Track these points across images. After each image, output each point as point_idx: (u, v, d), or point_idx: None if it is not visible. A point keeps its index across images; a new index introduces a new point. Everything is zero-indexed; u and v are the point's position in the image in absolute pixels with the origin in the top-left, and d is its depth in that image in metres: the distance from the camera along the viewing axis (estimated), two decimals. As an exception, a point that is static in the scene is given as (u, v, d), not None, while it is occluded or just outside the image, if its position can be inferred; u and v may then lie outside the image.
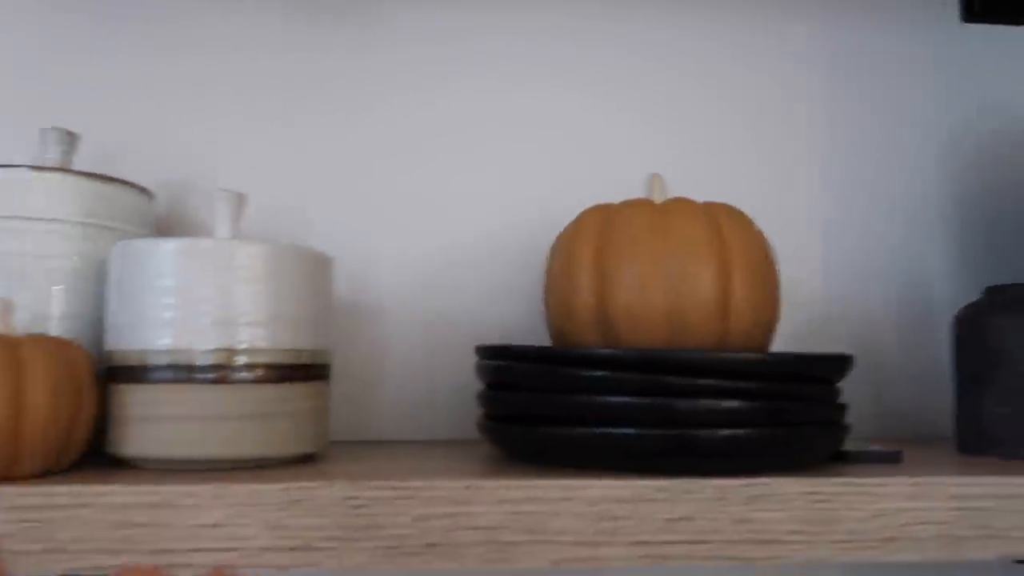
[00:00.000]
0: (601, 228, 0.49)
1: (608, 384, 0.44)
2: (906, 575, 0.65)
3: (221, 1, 0.64)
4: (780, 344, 0.66)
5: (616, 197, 0.66)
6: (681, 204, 0.49)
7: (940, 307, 0.68)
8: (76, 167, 0.62)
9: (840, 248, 0.68)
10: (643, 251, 0.47)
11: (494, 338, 0.64)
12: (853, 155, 0.69)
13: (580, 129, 0.67)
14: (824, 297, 0.67)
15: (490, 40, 0.66)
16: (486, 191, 0.65)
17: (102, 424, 0.46)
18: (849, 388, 0.66)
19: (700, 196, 0.67)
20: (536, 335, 0.64)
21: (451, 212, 0.65)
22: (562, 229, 0.61)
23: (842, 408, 0.48)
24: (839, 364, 0.47)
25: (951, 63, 0.70)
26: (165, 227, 0.62)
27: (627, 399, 0.43)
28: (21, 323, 0.47)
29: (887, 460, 0.48)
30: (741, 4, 0.69)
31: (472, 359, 0.63)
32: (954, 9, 0.71)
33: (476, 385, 0.63)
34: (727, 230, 0.48)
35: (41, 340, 0.42)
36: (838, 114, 0.69)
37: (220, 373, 0.44)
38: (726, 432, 0.43)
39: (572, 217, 0.65)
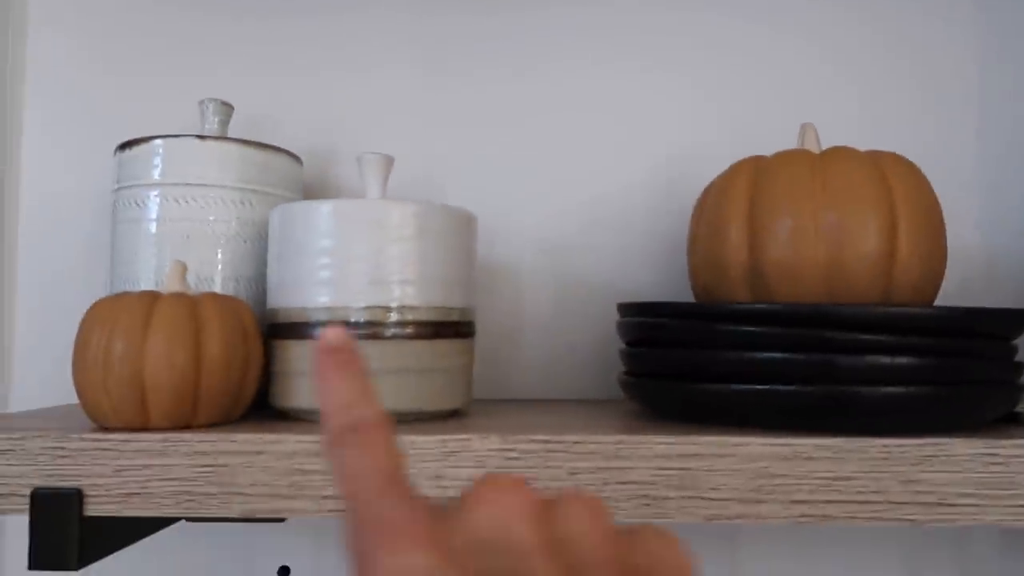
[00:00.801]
0: (754, 179, 0.48)
1: (762, 340, 0.43)
2: (1077, 547, 0.61)
3: (358, -32, 0.66)
4: (939, 301, 0.62)
5: (764, 151, 0.63)
6: (842, 153, 0.47)
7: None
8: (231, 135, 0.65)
9: (1001, 200, 0.63)
10: (800, 202, 0.45)
11: (627, 297, 0.63)
12: (1016, 101, 0.64)
13: (724, 80, 0.64)
14: (984, 252, 0.63)
15: (627, 4, 0.65)
16: (623, 150, 0.64)
17: (266, 378, 0.49)
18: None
19: (854, 143, 0.63)
20: (669, 294, 0.63)
21: (587, 172, 0.64)
22: (705, 185, 0.59)
23: (1018, 367, 0.45)
24: (1015, 319, 0.44)
25: None
26: (312, 192, 0.65)
27: (783, 355, 0.42)
28: (192, 284, 0.51)
29: (1067, 422, 0.45)
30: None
31: (609, 317, 0.63)
32: None
33: (613, 344, 0.63)
34: (893, 179, 0.45)
35: (216, 298, 0.44)
36: (1001, 57, 0.64)
37: (374, 329, 0.46)
38: (890, 389, 0.41)
39: (713, 175, 0.64)
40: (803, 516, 0.39)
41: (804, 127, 0.51)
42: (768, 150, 0.61)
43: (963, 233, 0.63)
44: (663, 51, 0.65)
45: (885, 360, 0.41)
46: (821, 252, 0.44)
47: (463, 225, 0.50)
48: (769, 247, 0.46)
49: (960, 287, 0.63)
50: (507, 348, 0.63)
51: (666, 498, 0.39)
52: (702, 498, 0.39)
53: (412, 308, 0.47)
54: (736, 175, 0.49)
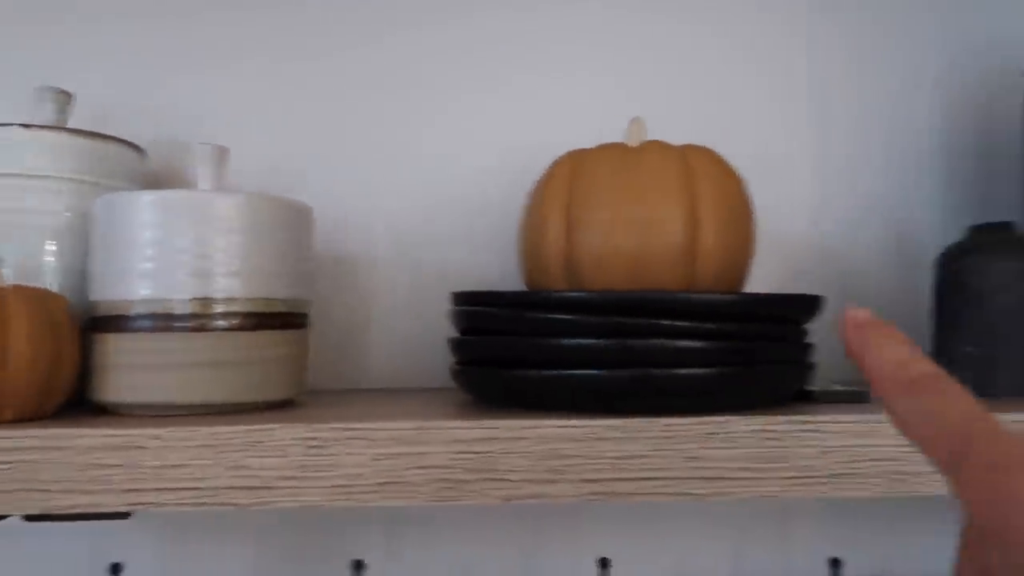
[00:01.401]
0: (572, 173, 0.50)
1: (571, 327, 0.45)
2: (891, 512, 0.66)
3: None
4: (767, 288, 0.65)
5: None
6: (652, 147, 0.49)
7: (931, 250, 0.66)
8: (72, 126, 0.64)
9: (830, 192, 0.67)
10: (610, 195, 0.47)
11: (477, 286, 0.65)
12: (843, 99, 0.67)
13: (565, 76, 0.66)
14: (814, 241, 0.66)
15: (474, -12, 0.66)
16: (471, 142, 0.66)
17: (87, 372, 0.48)
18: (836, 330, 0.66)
19: (687, 139, 0.66)
20: (517, 283, 0.65)
21: (440, 163, 0.65)
22: (539, 176, 0.61)
23: (808, 348, 0.48)
24: (805, 304, 0.47)
25: (944, 3, 0.68)
26: (158, 184, 0.64)
27: (589, 341, 0.44)
28: (16, 277, 0.50)
29: (854, 400, 0.48)
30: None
31: (461, 307, 0.65)
32: (959, -63, 0.68)
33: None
34: (700, 172, 0.48)
35: (23, 291, 0.44)
36: (829, 57, 0.67)
37: (197, 322, 0.46)
38: (690, 371, 0.43)
39: (558, 164, 0.65)
40: (593, 494, 0.41)
41: (633, 121, 0.53)
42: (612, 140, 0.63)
43: (797, 225, 0.66)
44: (517, 42, 0.66)
45: (685, 344, 0.44)
46: (629, 243, 0.46)
47: (294, 216, 0.50)
48: (583, 238, 0.48)
49: (795, 276, 0.66)
50: (357, 339, 0.64)
51: (464, 481, 0.41)
52: (499, 480, 0.41)
53: (237, 300, 0.47)
54: (557, 167, 0.50)
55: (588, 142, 0.64)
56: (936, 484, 0.41)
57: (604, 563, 0.59)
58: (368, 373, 0.64)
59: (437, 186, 0.65)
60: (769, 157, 0.66)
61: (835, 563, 0.60)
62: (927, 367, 0.24)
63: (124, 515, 0.56)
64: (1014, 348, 0.49)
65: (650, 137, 0.52)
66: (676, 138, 0.63)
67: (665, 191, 0.46)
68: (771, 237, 0.66)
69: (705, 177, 0.47)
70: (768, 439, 0.42)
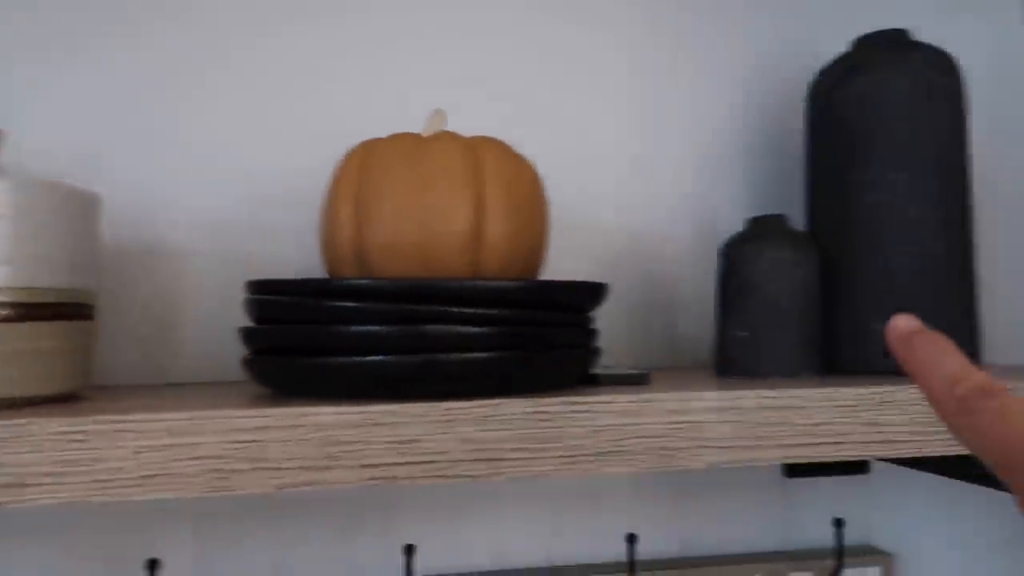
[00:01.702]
0: (362, 164, 0.50)
1: (358, 314, 0.45)
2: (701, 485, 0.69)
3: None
4: (577, 277, 0.68)
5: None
6: (443, 138, 0.50)
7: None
8: None
9: (642, 189, 0.70)
10: (397, 184, 0.48)
11: (288, 262, 0.64)
12: (656, 102, 0.70)
13: (376, 70, 0.66)
14: (625, 233, 0.69)
15: (287, -26, 0.65)
16: (296, 132, 0.65)
17: None
18: (644, 318, 0.69)
19: (507, 134, 0.67)
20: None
21: (260, 152, 0.64)
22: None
23: (592, 333, 0.50)
24: (588, 291, 0.49)
25: (748, 19, 0.72)
26: (-62, 168, 0.60)
27: (377, 328, 0.44)
28: None
29: (635, 382, 0.51)
30: (545, -59, 0.69)
31: (273, 299, 0.63)
32: (754, -51, 0.73)
33: (277, 324, 0.63)
34: (488, 163, 0.49)
35: None
36: (644, 64, 0.70)
37: (-43, 313, 0.44)
38: (468, 356, 0.44)
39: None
40: (372, 478, 0.41)
41: (435, 112, 0.54)
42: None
43: (610, 218, 0.69)
44: (341, 32, 0.66)
45: (470, 329, 0.45)
46: (415, 231, 0.47)
47: (72, 204, 0.48)
48: (372, 226, 0.48)
49: (606, 267, 0.69)
50: (168, 332, 0.62)
51: (237, 471, 0.40)
52: (273, 468, 0.41)
53: (2, 289, 0.45)
54: (349, 158, 0.50)
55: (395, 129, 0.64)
56: (701, 460, 0.44)
57: (409, 549, 0.59)
58: (176, 367, 0.62)
59: (243, 178, 0.64)
60: (586, 155, 0.69)
61: (631, 538, 0.62)
62: (976, 380, 0.23)
63: None
64: (779, 333, 0.53)
65: (469, 132, 0.53)
66: (495, 133, 0.65)
67: (451, 180, 0.47)
68: (585, 229, 0.68)
69: (493, 168, 0.48)
70: (541, 420, 0.43)
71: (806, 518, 0.71)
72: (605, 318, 0.69)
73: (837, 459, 0.46)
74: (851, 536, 0.72)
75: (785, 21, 0.73)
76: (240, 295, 0.64)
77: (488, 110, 0.67)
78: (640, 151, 0.70)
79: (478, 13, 0.68)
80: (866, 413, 0.47)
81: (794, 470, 0.71)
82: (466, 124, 0.67)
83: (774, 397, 0.46)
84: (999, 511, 0.74)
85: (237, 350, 0.63)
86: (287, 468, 0.41)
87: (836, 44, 0.73)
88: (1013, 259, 0.75)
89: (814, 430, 0.46)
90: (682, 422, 0.44)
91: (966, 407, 0.23)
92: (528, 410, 0.43)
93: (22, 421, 0.39)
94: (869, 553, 0.70)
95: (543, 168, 0.68)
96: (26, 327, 0.45)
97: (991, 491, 0.74)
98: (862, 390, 0.47)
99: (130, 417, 0.40)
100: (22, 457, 0.39)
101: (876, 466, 0.73)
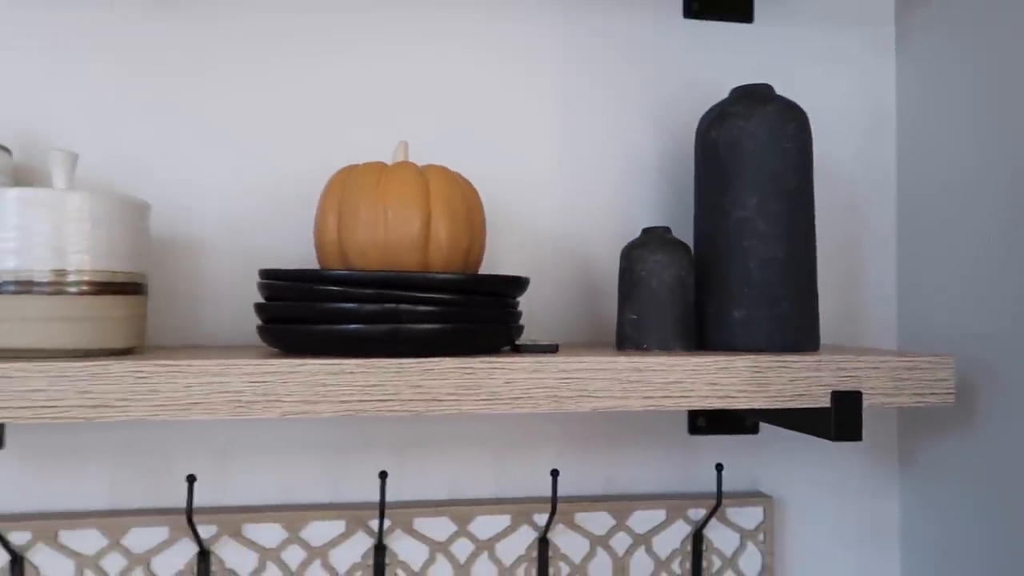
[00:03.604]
0: (343, 183, 0.67)
1: (341, 295, 0.62)
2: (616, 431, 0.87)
3: (67, -12, 0.79)
4: (513, 271, 0.85)
5: (383, 157, 0.83)
6: (401, 166, 0.67)
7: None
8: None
9: (572, 198, 0.87)
10: (368, 200, 0.65)
11: (291, 265, 0.81)
12: (585, 125, 0.87)
13: (359, 107, 0.83)
14: (560, 234, 0.86)
15: (290, 23, 0.82)
16: (283, 152, 0.82)
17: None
18: (570, 303, 0.86)
19: (462, 160, 0.84)
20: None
21: (266, 163, 0.81)
22: (336, 181, 0.78)
23: (514, 314, 0.67)
24: (511, 283, 0.66)
25: (667, 52, 0.89)
26: (23, 177, 0.77)
27: (354, 305, 0.62)
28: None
29: (546, 351, 0.68)
30: (495, 8, 0.86)
31: (279, 282, 0.81)
32: (676, 7, 0.89)
33: (282, 302, 0.81)
34: (433, 185, 0.66)
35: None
36: (574, 92, 0.87)
37: (53, 287, 0.61)
38: (419, 327, 0.62)
39: (359, 170, 0.83)
40: (347, 411, 0.59)
41: (399, 144, 0.71)
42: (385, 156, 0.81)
43: (547, 224, 0.86)
44: (317, 78, 0.83)
45: (421, 308, 0.62)
46: (380, 235, 0.64)
47: (130, 209, 0.66)
48: (349, 231, 0.65)
49: (542, 263, 0.86)
50: (191, 305, 0.80)
51: (254, 402, 0.58)
52: (278, 400, 0.58)
53: (85, 271, 0.62)
54: (334, 178, 0.68)
55: (376, 156, 0.82)
56: (584, 405, 0.61)
57: (383, 475, 0.77)
58: (201, 332, 0.80)
59: (264, 190, 0.81)
60: (527, 172, 0.86)
61: (554, 472, 0.80)
62: None
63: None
64: (658, 317, 0.70)
65: (429, 158, 0.69)
66: (450, 156, 0.82)
67: (406, 196, 0.64)
68: (526, 233, 0.86)
69: (437, 188, 0.66)
70: (467, 374, 0.61)
71: (703, 468, 0.89)
72: (539, 303, 0.86)
73: (682, 408, 0.63)
74: (740, 483, 0.90)
75: (692, 64, 0.89)
76: (249, 278, 0.81)
77: (443, 139, 0.85)
78: (567, 169, 0.87)
79: (434, 65, 0.85)
80: (708, 375, 0.64)
81: (696, 429, 0.88)
82: (425, 149, 0.84)
83: (639, 362, 0.63)
84: (859, 462, 0.92)
85: (244, 319, 0.81)
86: (287, 401, 0.59)
87: (730, 84, 0.90)
88: (843, 259, 0.92)
89: (667, 387, 0.63)
90: (570, 378, 0.62)
91: None
92: (458, 367, 0.61)
93: (104, 363, 0.57)
94: (755, 496, 0.88)
95: (490, 184, 0.85)
96: (101, 299, 0.63)
97: (854, 446, 0.91)
98: (706, 359, 0.64)
99: (180, 363, 0.57)
100: (106, 388, 0.57)
101: (763, 428, 0.90)
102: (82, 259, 0.62)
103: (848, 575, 0.91)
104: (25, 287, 0.61)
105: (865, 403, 0.66)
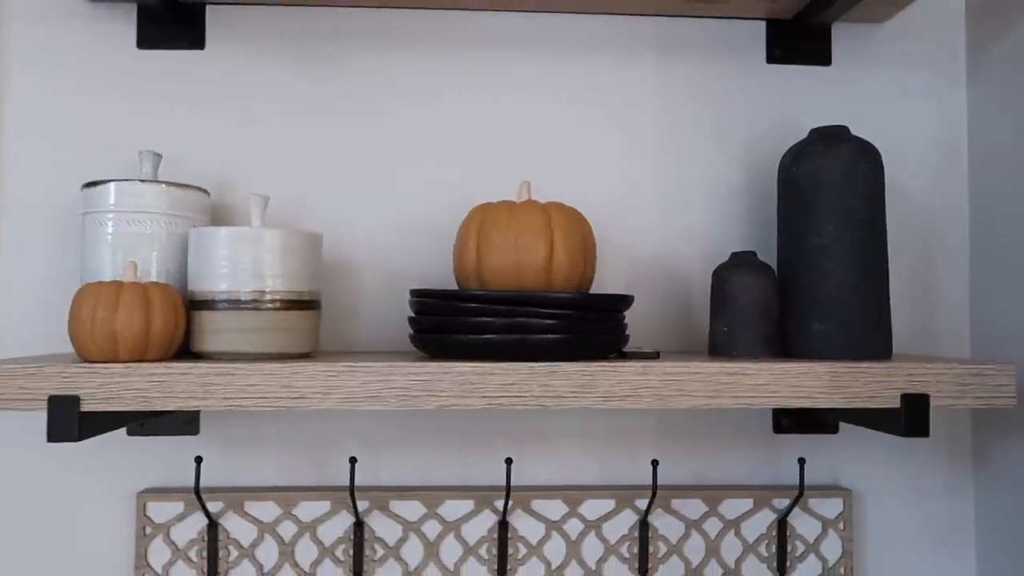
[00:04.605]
0: (481, 218, 0.81)
1: (479, 311, 0.76)
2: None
3: (247, 55, 0.96)
4: (618, 288, 0.97)
5: (507, 194, 0.97)
6: (528, 203, 0.81)
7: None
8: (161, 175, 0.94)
9: (669, 226, 0.99)
10: (502, 231, 0.79)
11: (434, 284, 0.96)
12: (680, 162, 0.99)
13: (490, 149, 0.98)
14: (658, 257, 0.99)
15: (434, 80, 0.97)
16: (427, 191, 0.97)
17: (190, 333, 0.79)
18: (669, 317, 0.98)
19: (578, 189, 0.98)
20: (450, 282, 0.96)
21: (404, 205, 0.97)
22: (469, 214, 0.92)
23: (621, 326, 0.80)
24: (619, 300, 0.79)
25: (752, 94, 1.00)
26: (217, 213, 0.95)
27: (489, 319, 0.76)
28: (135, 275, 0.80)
29: (649, 357, 0.80)
30: (599, 58, 0.99)
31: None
32: (760, 53, 1.00)
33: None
34: (554, 219, 0.80)
35: (159, 285, 0.75)
36: (670, 133, 0.99)
37: (254, 304, 0.77)
38: (543, 337, 0.75)
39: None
40: (490, 404, 0.73)
41: (522, 184, 0.85)
42: (513, 193, 0.94)
43: (643, 248, 0.98)
44: (461, 128, 0.97)
45: (544, 322, 0.75)
46: (512, 260, 0.78)
47: (309, 241, 0.81)
48: (486, 256, 0.79)
49: (638, 282, 0.98)
50: (353, 319, 0.96)
51: (416, 396, 0.72)
52: (435, 395, 0.72)
53: (278, 291, 0.78)
54: (472, 213, 0.83)
55: (498, 196, 0.96)
56: (683, 403, 0.73)
57: (508, 461, 0.91)
58: (358, 341, 0.96)
59: (405, 221, 0.97)
60: (631, 203, 0.98)
61: (655, 463, 0.92)
62: None
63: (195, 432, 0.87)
64: (746, 328, 0.82)
65: (545, 189, 0.83)
66: (565, 189, 0.96)
67: (533, 229, 0.78)
68: (630, 256, 0.98)
69: (558, 221, 0.79)
70: (585, 376, 0.74)
71: (787, 464, 0.99)
72: (642, 316, 0.98)
73: (768, 407, 0.75)
74: (821, 478, 0.99)
75: (775, 105, 1.00)
76: (394, 295, 0.96)
77: (559, 174, 0.98)
78: (664, 200, 0.99)
79: (550, 109, 0.98)
80: (791, 379, 0.75)
81: (780, 428, 0.99)
82: (543, 182, 0.97)
83: (730, 367, 0.75)
84: (935, 463, 1.00)
85: (390, 329, 0.95)
86: (442, 396, 0.73)
87: (811, 123, 1.00)
88: (920, 278, 1.01)
89: (755, 388, 0.75)
90: (671, 380, 0.74)
91: None
92: (578, 370, 0.74)
93: (301, 364, 0.72)
94: (835, 489, 0.98)
95: (599, 214, 0.98)
96: (290, 314, 0.79)
97: (934, 445, 1.00)
98: (789, 364, 0.75)
99: (359, 365, 0.72)
100: (304, 383, 0.72)
101: (843, 429, 1.00)
102: (276, 282, 0.78)
103: (924, 566, 1.00)
104: (234, 305, 0.77)
105: (933, 404, 0.76)
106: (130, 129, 0.95)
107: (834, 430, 0.99)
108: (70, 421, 0.70)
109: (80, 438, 0.71)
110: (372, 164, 0.97)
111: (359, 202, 0.96)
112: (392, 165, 0.97)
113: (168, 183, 0.84)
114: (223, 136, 0.95)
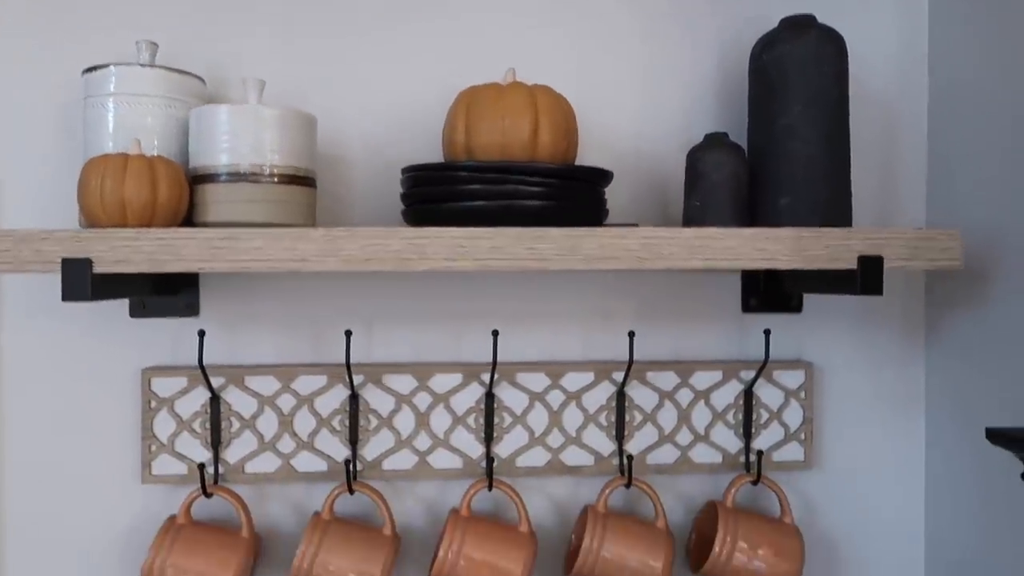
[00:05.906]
0: (469, 99, 0.86)
1: (468, 180, 0.81)
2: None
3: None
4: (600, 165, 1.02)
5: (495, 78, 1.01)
6: (514, 85, 0.85)
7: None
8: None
9: (647, 110, 1.04)
10: (489, 111, 0.83)
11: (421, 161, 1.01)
12: (659, 51, 1.04)
13: (476, 36, 1.01)
14: (634, 138, 1.04)
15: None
16: (416, 79, 1.01)
17: (192, 205, 0.83)
18: (644, 195, 1.03)
19: (559, 81, 1.02)
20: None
21: (395, 92, 1.00)
22: (456, 99, 0.97)
23: (601, 200, 0.85)
24: (599, 173, 0.84)
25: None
26: (211, 100, 0.98)
27: (479, 187, 0.81)
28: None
29: (628, 226, 0.86)
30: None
31: (407, 185, 1.00)
32: (733, -52, 1.04)
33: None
34: (539, 100, 0.84)
35: (162, 159, 0.79)
36: (650, 24, 1.04)
37: (254, 177, 0.81)
38: (529, 203, 0.80)
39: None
40: (479, 266, 0.78)
41: (508, 70, 0.89)
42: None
43: (625, 135, 1.03)
44: (451, 20, 1.01)
45: (530, 189, 0.81)
46: (498, 139, 0.83)
47: (305, 121, 0.85)
48: (475, 136, 0.84)
49: (618, 163, 1.03)
50: (344, 198, 1.00)
51: (410, 258, 0.77)
52: (427, 258, 0.78)
53: (276, 165, 0.82)
54: (461, 95, 0.87)
55: (484, 79, 1.00)
56: (658, 264, 0.79)
57: (495, 333, 0.97)
58: (351, 215, 1.00)
59: (395, 106, 1.00)
60: (612, 89, 1.03)
61: (631, 334, 0.98)
62: None
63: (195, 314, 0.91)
64: (717, 204, 0.87)
65: (531, 74, 0.87)
66: (549, 75, 1.00)
67: (519, 109, 0.83)
68: (609, 137, 1.03)
69: (542, 103, 0.84)
70: (569, 240, 0.79)
71: (754, 340, 1.06)
72: (620, 195, 1.03)
73: (734, 268, 0.81)
74: (785, 354, 1.07)
75: (748, 7, 1.05)
76: (384, 181, 1.00)
77: (545, 65, 1.02)
78: (643, 87, 1.04)
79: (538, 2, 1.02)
80: (757, 242, 0.81)
81: (748, 307, 1.06)
82: (532, 71, 1.02)
83: (701, 232, 0.81)
84: (889, 337, 1.08)
85: (381, 210, 1.00)
86: (434, 259, 0.78)
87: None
88: (879, 155, 1.07)
89: (725, 250, 0.81)
90: (648, 243, 0.80)
91: None
92: (562, 234, 0.79)
93: (299, 230, 0.77)
94: (797, 362, 1.05)
95: (582, 99, 1.02)
96: (288, 187, 0.83)
97: (889, 321, 1.08)
98: (755, 230, 0.81)
99: (357, 229, 0.77)
100: (306, 246, 0.77)
101: (806, 308, 1.07)
102: (274, 156, 0.82)
103: (877, 431, 1.08)
104: (234, 177, 0.81)
105: (886, 266, 0.82)
106: (129, 20, 0.97)
107: (798, 309, 1.06)
108: (83, 281, 0.75)
109: (93, 298, 0.75)
110: (373, 61, 1.00)
111: (357, 96, 1.00)
112: (388, 63, 1.00)
113: (167, 68, 0.87)
114: (217, 32, 0.98)
